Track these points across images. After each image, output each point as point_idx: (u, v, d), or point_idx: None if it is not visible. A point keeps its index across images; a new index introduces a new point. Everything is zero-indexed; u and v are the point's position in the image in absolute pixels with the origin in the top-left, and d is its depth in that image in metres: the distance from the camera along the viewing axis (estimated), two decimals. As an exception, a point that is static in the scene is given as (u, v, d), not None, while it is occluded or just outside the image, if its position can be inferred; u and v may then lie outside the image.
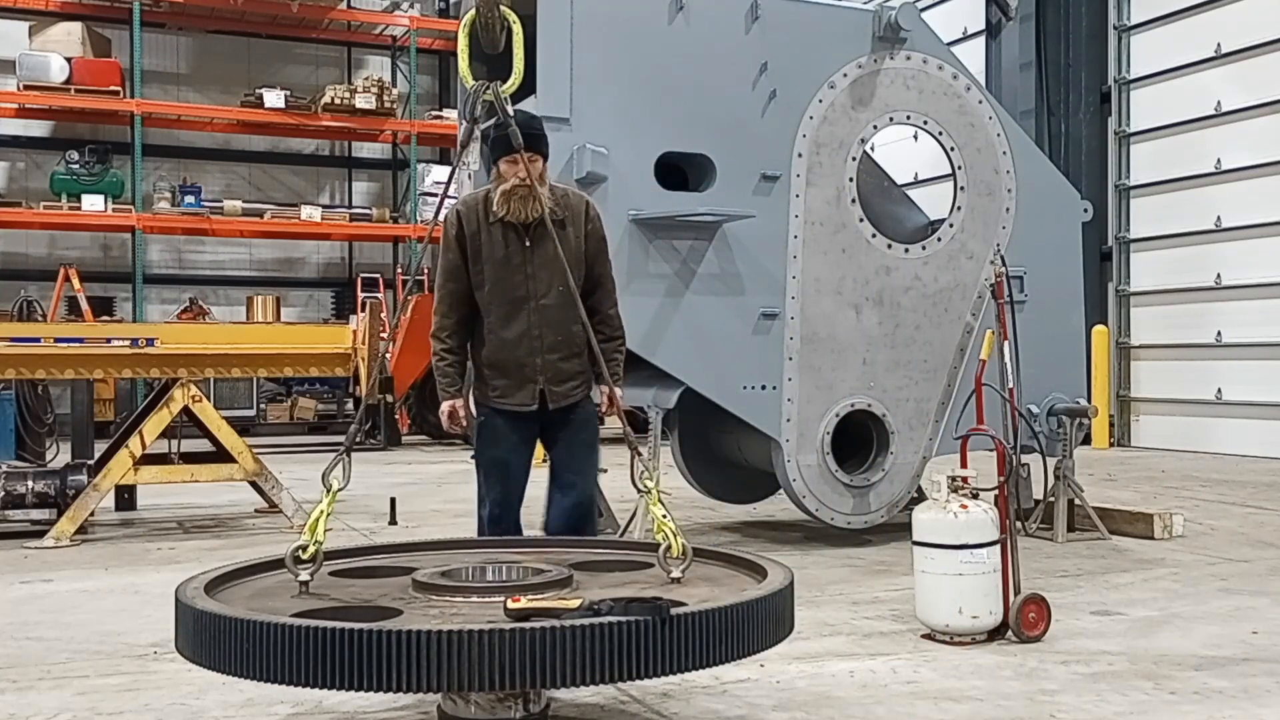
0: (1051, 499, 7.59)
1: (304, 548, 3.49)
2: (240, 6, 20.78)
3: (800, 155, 6.96)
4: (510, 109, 4.30)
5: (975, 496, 4.86)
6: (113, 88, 19.31)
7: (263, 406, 19.23)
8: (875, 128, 7.22)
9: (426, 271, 19.93)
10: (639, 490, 4.00)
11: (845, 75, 7.09)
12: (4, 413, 11.35)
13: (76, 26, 19.42)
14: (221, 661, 2.98)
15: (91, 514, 7.82)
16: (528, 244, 4.58)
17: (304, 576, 3.44)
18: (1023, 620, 4.84)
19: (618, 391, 4.51)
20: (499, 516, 4.71)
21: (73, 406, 10.03)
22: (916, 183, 14.25)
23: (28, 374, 8.82)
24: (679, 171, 6.85)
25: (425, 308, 16.50)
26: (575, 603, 3.05)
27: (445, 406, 4.73)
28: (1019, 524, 6.50)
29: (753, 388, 6.83)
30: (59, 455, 10.95)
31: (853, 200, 7.11)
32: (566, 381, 4.67)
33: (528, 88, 5.50)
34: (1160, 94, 15.04)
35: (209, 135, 22.16)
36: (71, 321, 15.82)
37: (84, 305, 16.95)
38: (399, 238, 22.54)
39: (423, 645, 2.74)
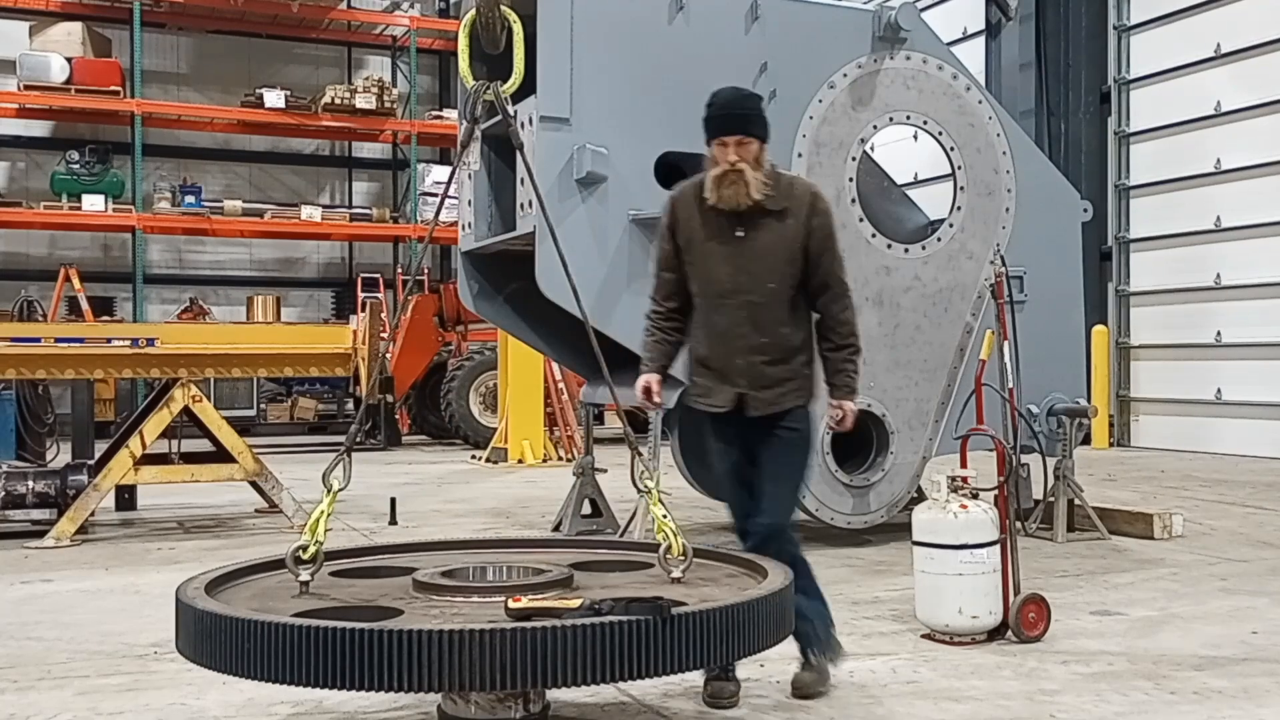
0: (1051, 499, 7.59)
1: (304, 548, 3.49)
2: (240, 6, 20.78)
3: (800, 155, 6.96)
4: (511, 109, 4.29)
5: (975, 496, 4.86)
6: (113, 88, 19.33)
7: (263, 406, 19.24)
8: (875, 128, 7.23)
9: (426, 271, 19.98)
10: (639, 490, 4.00)
11: (845, 75, 7.09)
12: (4, 413, 11.32)
13: (77, 26, 19.43)
14: (222, 661, 2.99)
15: (92, 514, 7.82)
16: (739, 233, 4.05)
17: (304, 576, 3.45)
18: (1023, 620, 4.84)
19: (850, 406, 4.16)
20: (741, 531, 4.20)
21: (73, 406, 10.02)
22: (916, 183, 14.24)
23: (28, 374, 8.81)
24: (679, 171, 6.84)
25: (425, 308, 16.54)
26: (576, 602, 3.05)
27: (640, 380, 4.19)
28: (1019, 524, 6.50)
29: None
30: (59, 455, 10.93)
31: (853, 200, 7.11)
32: (771, 388, 4.09)
33: (528, 88, 5.51)
34: (1160, 94, 15.04)
35: (209, 135, 22.17)
36: (72, 321, 15.83)
37: (84, 305, 16.98)
38: (399, 238, 22.55)
39: (423, 645, 2.74)
